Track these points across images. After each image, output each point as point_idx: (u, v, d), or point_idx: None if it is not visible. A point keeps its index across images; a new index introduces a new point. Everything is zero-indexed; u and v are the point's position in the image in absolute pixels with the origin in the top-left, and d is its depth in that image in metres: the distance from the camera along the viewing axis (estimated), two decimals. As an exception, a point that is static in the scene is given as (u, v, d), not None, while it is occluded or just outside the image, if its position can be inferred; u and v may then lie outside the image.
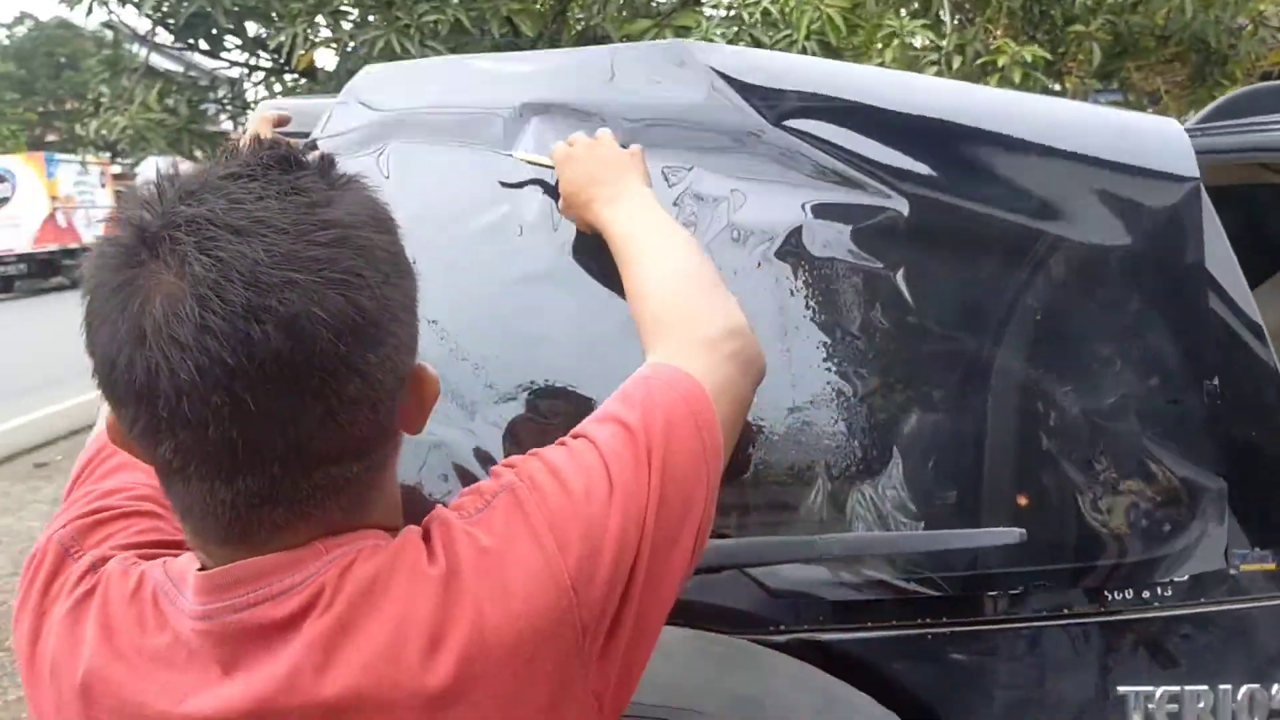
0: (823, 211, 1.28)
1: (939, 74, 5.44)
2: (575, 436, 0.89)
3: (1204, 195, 1.24)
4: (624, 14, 6.57)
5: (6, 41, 25.28)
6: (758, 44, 5.89)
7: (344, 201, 0.75)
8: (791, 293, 1.26)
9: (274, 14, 6.29)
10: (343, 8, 6.25)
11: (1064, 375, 1.22)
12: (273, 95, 7.33)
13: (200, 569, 0.77)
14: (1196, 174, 1.25)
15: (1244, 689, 1.19)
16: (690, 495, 0.88)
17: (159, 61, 7.31)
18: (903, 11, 5.76)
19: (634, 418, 0.88)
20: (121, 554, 0.85)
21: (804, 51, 5.59)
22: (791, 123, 1.32)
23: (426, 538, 0.80)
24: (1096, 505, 1.19)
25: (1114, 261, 1.24)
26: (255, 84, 7.56)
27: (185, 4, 6.25)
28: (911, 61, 5.54)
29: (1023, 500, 1.21)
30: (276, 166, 0.75)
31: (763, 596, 1.22)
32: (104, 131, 6.40)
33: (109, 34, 7.15)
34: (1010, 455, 1.21)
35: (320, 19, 6.02)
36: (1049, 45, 6.14)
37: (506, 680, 0.76)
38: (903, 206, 1.26)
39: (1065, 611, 1.19)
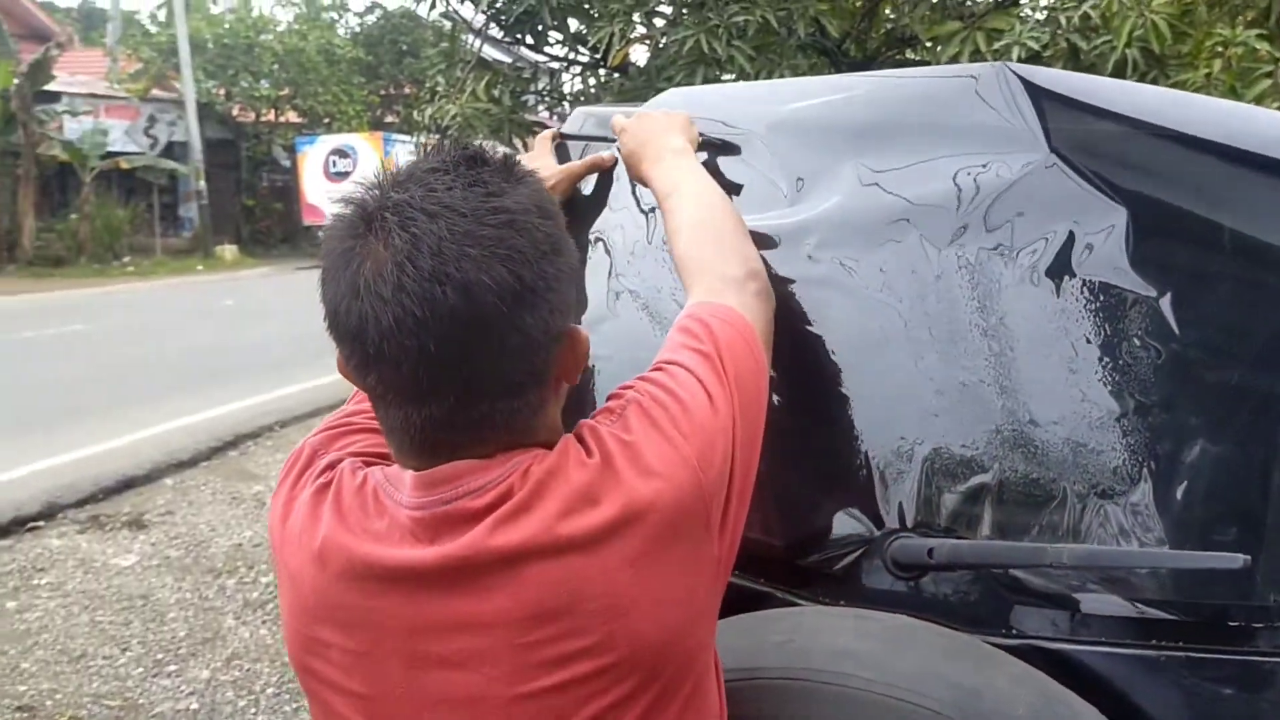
0: (1101, 234, 1.30)
1: (1273, 86, 5.06)
2: (668, 363, 1.08)
3: None
4: (934, 15, 6.47)
5: (358, 29, 27.58)
6: (1074, 50, 5.68)
7: (515, 193, 0.95)
8: (1054, 311, 1.30)
9: (595, 12, 6.65)
10: (658, 7, 6.52)
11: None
12: (588, 88, 7.75)
13: (414, 473, 0.98)
14: None
15: None
16: (757, 401, 1.11)
17: (490, 53, 7.88)
18: (1238, 20, 5.37)
19: (706, 345, 1.09)
20: (351, 459, 1.07)
21: (1124, 59, 5.35)
22: (1075, 148, 1.34)
23: (580, 441, 1.00)
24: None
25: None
26: (573, 77, 8.01)
27: (515, 2, 6.69)
28: (1243, 74, 5.18)
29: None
30: (465, 163, 0.96)
31: (999, 598, 1.27)
32: (436, 117, 6.98)
33: (447, 25, 7.78)
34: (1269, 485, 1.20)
35: (636, 17, 6.31)
36: None
37: (654, 540, 0.95)
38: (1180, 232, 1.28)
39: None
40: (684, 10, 6.27)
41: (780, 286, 1.41)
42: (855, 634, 1.19)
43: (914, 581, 1.29)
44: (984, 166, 1.37)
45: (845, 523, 1.33)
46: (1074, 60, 5.73)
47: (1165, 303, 1.26)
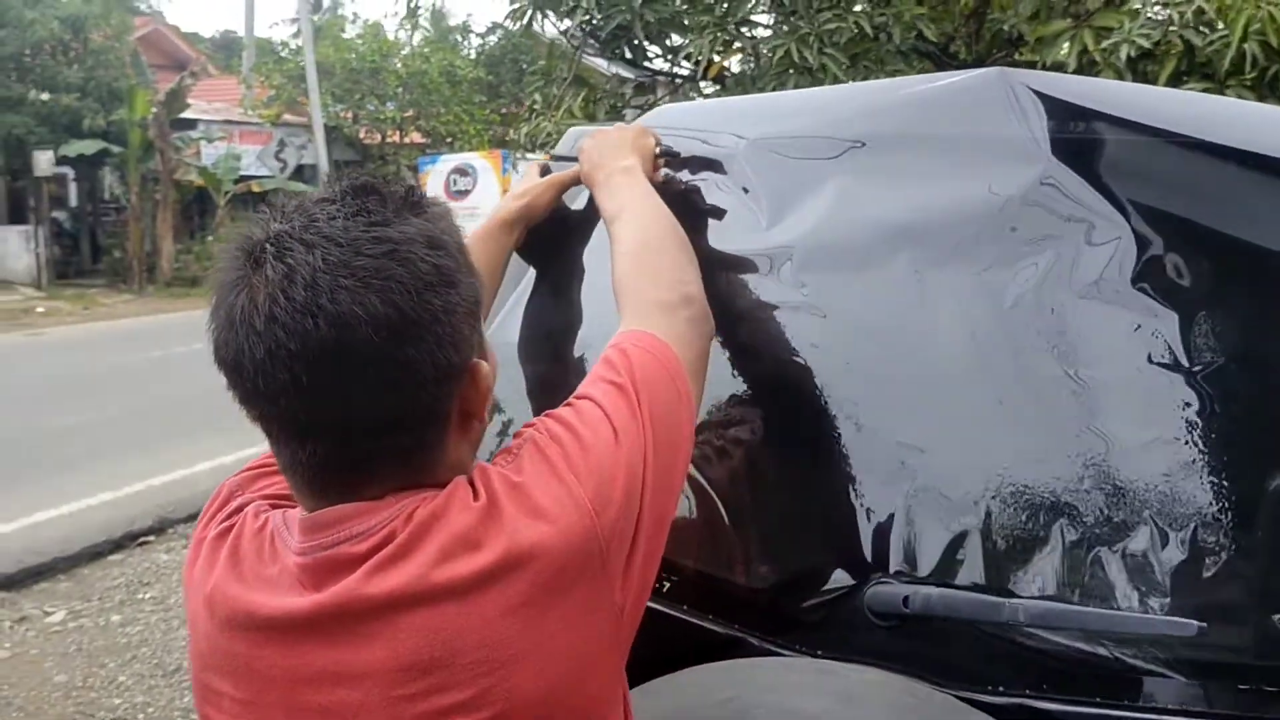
0: (1109, 250, 1.19)
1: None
2: (579, 398, 1.04)
3: None
4: (1041, 14, 6.23)
5: (479, 50, 28.11)
6: (1188, 46, 5.40)
7: (403, 223, 0.91)
8: (1052, 338, 1.19)
9: (689, 24, 6.60)
10: (751, 17, 6.44)
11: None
12: (689, 99, 7.70)
13: (301, 516, 0.95)
14: None
15: None
16: (675, 434, 1.05)
17: (602, 65, 7.89)
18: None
19: (621, 377, 1.04)
20: (259, 501, 1.03)
21: (1242, 55, 5.05)
22: (1083, 157, 1.23)
23: (471, 483, 0.94)
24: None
25: None
26: (671, 91, 7.96)
27: (608, 18, 6.69)
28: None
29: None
30: (353, 193, 0.92)
31: (986, 651, 1.17)
32: (533, 135, 7.02)
33: (566, 42, 7.81)
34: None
35: (730, 28, 6.24)
36: None
37: (539, 587, 0.90)
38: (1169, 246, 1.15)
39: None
40: (782, 20, 6.18)
41: (760, 313, 1.33)
42: (808, 691, 1.10)
43: (893, 631, 1.19)
44: (985, 179, 1.26)
45: (823, 566, 1.24)
46: (1188, 57, 5.45)
47: (1177, 325, 1.15)
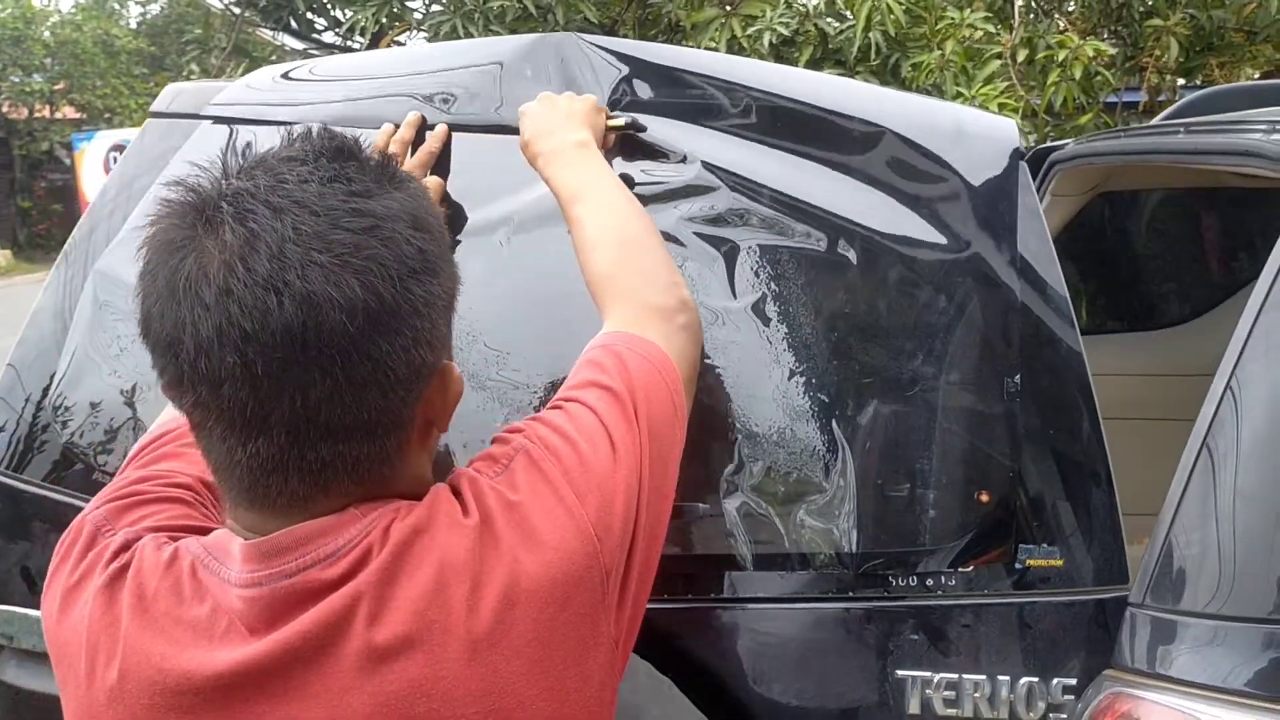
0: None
1: (1003, 67, 5.32)
2: (569, 401, 0.93)
3: (1025, 188, 1.26)
4: (694, 1, 6.57)
5: (140, 20, 26.25)
6: (822, 35, 5.86)
7: (385, 196, 0.78)
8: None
9: (349, -2, 6.50)
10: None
11: (862, 365, 1.25)
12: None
13: (245, 540, 0.80)
14: (1014, 162, 1.27)
15: (1023, 681, 1.20)
16: (669, 452, 0.96)
17: (288, 41, 7.60)
18: (967, 4, 5.64)
19: (617, 383, 0.94)
20: (153, 534, 0.86)
21: (867, 43, 5.54)
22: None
23: (457, 494, 0.83)
24: (882, 491, 1.22)
25: (921, 251, 1.26)
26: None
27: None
28: (975, 54, 5.43)
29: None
30: (328, 154, 0.79)
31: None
32: (190, 108, 6.68)
33: (235, 12, 7.43)
34: (802, 442, 1.25)
35: (396, 2, 6.19)
36: (1128, 40, 5.97)
37: (544, 625, 0.80)
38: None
39: (849, 594, 1.22)
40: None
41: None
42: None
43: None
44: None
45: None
46: (823, 44, 5.92)
47: (724, 264, 1.30)
